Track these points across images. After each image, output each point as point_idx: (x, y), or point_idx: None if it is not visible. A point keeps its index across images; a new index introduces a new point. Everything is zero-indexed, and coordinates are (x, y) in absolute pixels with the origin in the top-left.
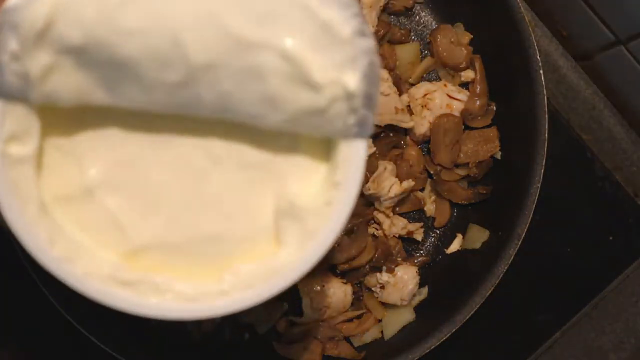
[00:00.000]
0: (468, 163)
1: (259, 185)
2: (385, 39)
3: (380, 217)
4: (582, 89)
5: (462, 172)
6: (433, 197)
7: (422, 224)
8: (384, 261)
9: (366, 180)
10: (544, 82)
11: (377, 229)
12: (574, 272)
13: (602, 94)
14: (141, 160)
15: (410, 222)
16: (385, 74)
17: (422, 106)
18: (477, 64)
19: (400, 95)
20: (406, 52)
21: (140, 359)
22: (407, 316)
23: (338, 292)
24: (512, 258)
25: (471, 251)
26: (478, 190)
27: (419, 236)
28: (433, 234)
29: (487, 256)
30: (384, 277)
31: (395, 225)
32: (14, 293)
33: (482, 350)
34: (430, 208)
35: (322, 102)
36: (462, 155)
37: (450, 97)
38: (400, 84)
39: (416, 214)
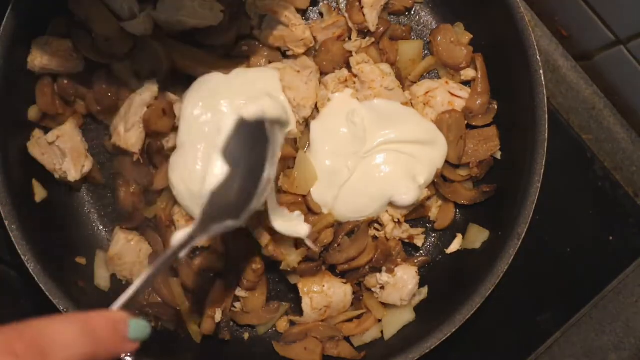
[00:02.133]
0: (469, 163)
1: None
2: (387, 35)
3: (385, 219)
4: (582, 89)
5: (464, 172)
6: (439, 203)
7: (423, 229)
8: (384, 262)
9: None
10: (544, 82)
11: (377, 230)
12: (574, 272)
13: (602, 94)
14: None
15: (412, 227)
16: (387, 67)
17: (424, 104)
18: (479, 63)
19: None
20: (408, 49)
21: (141, 359)
22: (407, 316)
23: (338, 292)
24: (512, 258)
25: (471, 251)
26: (482, 189)
27: (419, 242)
28: (433, 234)
29: (487, 256)
30: (383, 277)
31: (398, 229)
32: (14, 292)
33: (482, 350)
34: (434, 212)
35: None
36: (464, 154)
37: (452, 94)
38: (402, 80)
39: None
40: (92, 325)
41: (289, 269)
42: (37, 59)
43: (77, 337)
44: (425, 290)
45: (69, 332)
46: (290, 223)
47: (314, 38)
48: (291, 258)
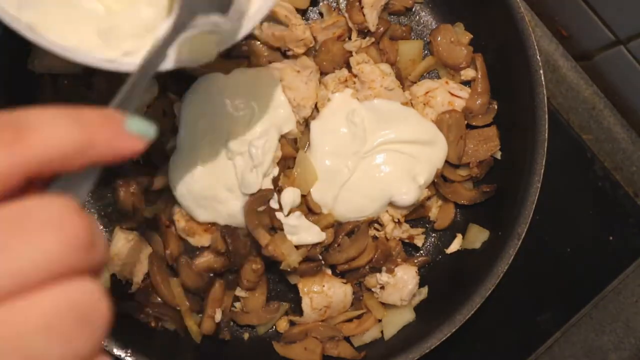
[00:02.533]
0: (469, 163)
1: None
2: (387, 35)
3: (385, 219)
4: (582, 89)
5: (464, 172)
6: (439, 203)
7: (423, 229)
8: (384, 262)
9: None
10: (544, 82)
11: (377, 230)
12: (574, 272)
13: (602, 94)
14: None
15: (412, 227)
16: (387, 68)
17: (424, 104)
18: (479, 63)
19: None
20: (408, 49)
21: (141, 359)
22: (407, 316)
23: (338, 292)
24: (512, 258)
25: (471, 251)
26: (482, 189)
27: (419, 242)
28: (433, 234)
29: (487, 256)
30: (383, 277)
31: (398, 229)
32: None
33: (482, 350)
34: (434, 212)
35: None
36: (464, 154)
37: (451, 94)
38: (402, 80)
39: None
40: (83, 115)
41: (289, 269)
42: (37, 59)
43: (64, 121)
44: (425, 290)
45: (54, 114)
46: (304, 234)
47: (314, 38)
48: (291, 258)
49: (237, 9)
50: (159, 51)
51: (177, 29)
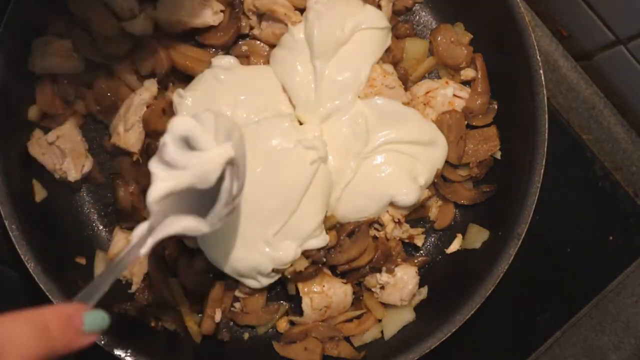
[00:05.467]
0: (469, 163)
1: None
2: (392, 33)
3: (385, 219)
4: (582, 89)
5: (464, 172)
6: (439, 203)
7: (423, 229)
8: (384, 262)
9: None
10: (544, 82)
11: (377, 230)
12: (574, 272)
13: (602, 94)
14: None
15: (412, 227)
16: (390, 68)
17: (424, 104)
18: (479, 63)
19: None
20: (415, 47)
21: (141, 359)
22: (407, 316)
23: (338, 292)
24: (512, 258)
25: (471, 251)
26: (482, 189)
27: (419, 242)
28: (433, 234)
29: (487, 256)
30: (383, 277)
31: (398, 229)
32: (14, 292)
33: (482, 350)
34: (434, 212)
35: None
36: (464, 154)
37: (452, 94)
38: (407, 79)
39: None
40: (45, 322)
41: (289, 276)
42: (37, 59)
43: (30, 336)
44: (425, 290)
45: (22, 331)
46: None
47: None
48: (298, 263)
49: (216, 214)
50: (132, 252)
51: (150, 231)
